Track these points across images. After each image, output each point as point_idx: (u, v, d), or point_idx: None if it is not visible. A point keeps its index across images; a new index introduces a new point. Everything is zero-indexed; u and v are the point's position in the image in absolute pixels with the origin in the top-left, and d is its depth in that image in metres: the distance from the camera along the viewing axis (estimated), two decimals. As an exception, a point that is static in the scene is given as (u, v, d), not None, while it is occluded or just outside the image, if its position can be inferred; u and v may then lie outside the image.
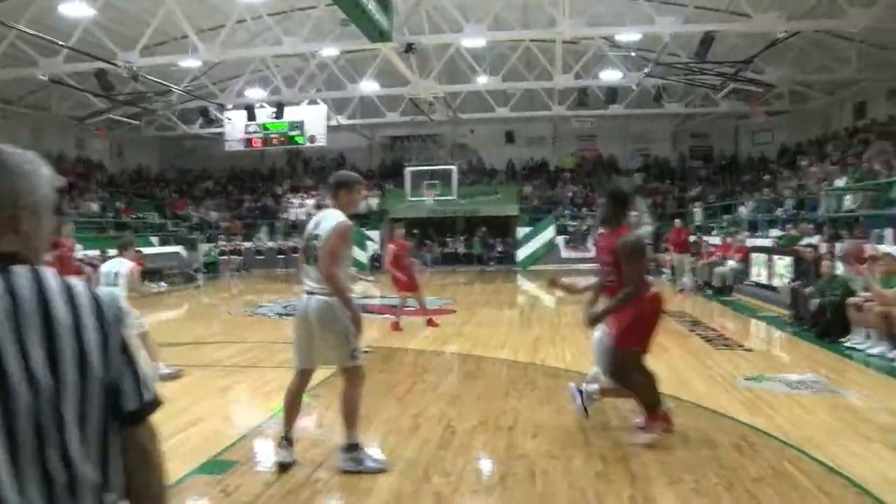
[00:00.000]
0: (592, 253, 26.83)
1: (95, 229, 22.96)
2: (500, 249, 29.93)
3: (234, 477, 4.65)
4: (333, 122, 26.83)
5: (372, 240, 27.97)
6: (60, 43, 16.87)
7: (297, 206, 30.07)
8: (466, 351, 9.42)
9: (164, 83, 20.93)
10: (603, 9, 18.99)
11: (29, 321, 1.34)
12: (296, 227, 28.41)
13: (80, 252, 16.88)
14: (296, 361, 4.82)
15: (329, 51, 20.75)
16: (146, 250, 21.37)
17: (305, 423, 5.62)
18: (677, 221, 18.50)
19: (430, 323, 11.74)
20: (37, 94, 23.15)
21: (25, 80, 20.11)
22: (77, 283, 1.46)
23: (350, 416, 4.73)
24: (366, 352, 5.91)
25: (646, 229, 11.65)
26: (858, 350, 8.86)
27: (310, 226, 4.82)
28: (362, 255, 26.77)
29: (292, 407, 4.82)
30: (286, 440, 4.79)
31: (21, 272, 1.39)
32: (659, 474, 4.56)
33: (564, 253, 27.43)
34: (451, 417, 5.98)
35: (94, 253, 20.51)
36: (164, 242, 25.26)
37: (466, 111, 27.19)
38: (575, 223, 28.31)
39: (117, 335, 1.46)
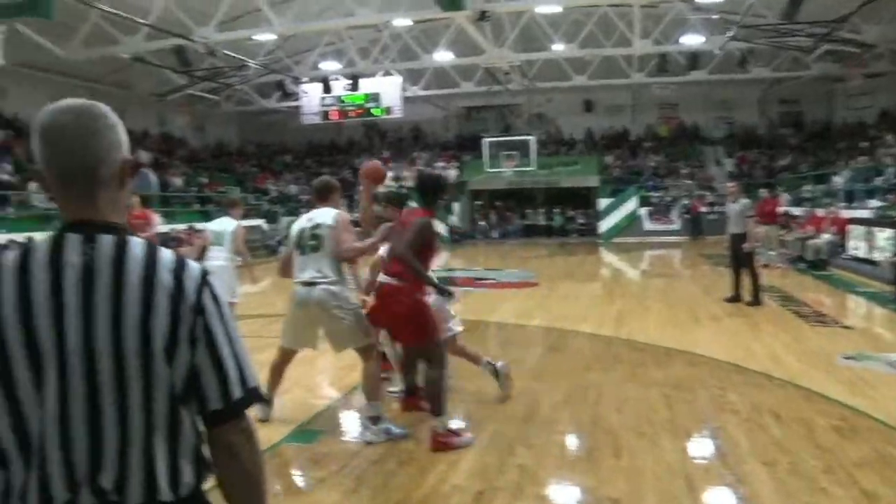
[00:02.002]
0: (677, 225, 26.55)
1: (180, 204, 23.88)
2: (581, 221, 29.67)
3: (322, 446, 4.84)
4: (409, 94, 26.94)
5: (451, 212, 28.14)
6: (140, 20, 17.45)
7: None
8: (548, 324, 9.43)
9: (240, 57, 21.42)
10: (685, -32, 18.40)
11: (100, 293, 1.33)
12: (375, 199, 28.73)
13: (164, 226, 17.56)
14: (290, 342, 5.23)
15: (402, 21, 20.79)
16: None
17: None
18: (764, 191, 17.86)
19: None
20: (120, 73, 24.03)
21: (109, 59, 20.87)
22: (164, 255, 1.41)
23: (372, 390, 5.00)
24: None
25: None
26: (970, 326, 8.45)
27: (300, 224, 5.15)
28: (440, 227, 27.01)
29: (275, 380, 5.26)
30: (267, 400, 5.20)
31: (106, 241, 1.38)
32: (751, 454, 4.50)
33: (648, 225, 26.95)
34: (535, 391, 6.03)
35: (181, 227, 21.40)
36: (245, 216, 26.02)
37: (543, 80, 26.84)
38: (658, 194, 27.74)
39: (191, 319, 1.39)
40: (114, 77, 24.28)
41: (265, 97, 27.88)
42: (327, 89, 25.08)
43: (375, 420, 4.90)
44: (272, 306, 12.24)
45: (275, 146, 34.18)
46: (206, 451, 1.46)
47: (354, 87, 24.59)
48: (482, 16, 17.29)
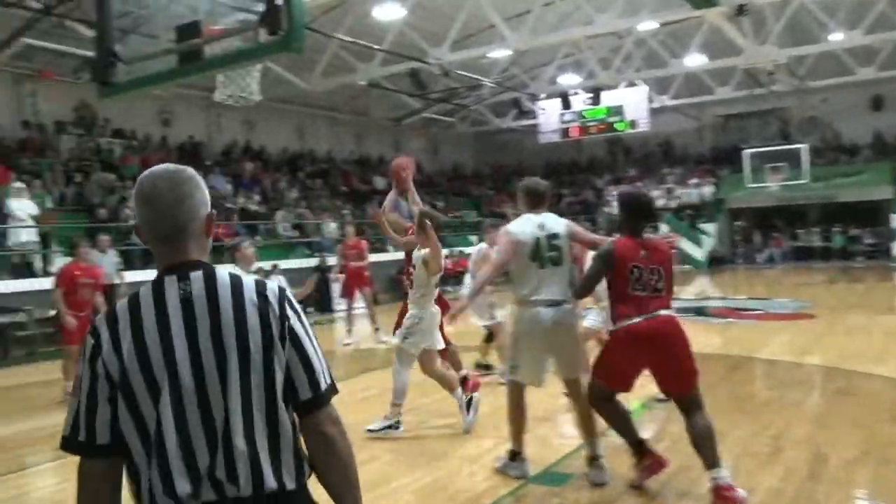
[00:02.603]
0: None
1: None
2: (869, 241, 27.07)
3: (572, 491, 4.71)
4: (656, 105, 26.33)
5: (707, 234, 26.97)
6: (376, 47, 18.76)
7: (621, 199, 29.87)
8: (832, 363, 8.60)
9: (475, 77, 22.23)
10: None
11: (200, 318, 1.72)
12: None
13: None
14: (533, 377, 5.03)
15: (647, 25, 20.32)
16: (467, 249, 22.87)
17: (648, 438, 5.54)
18: None
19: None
20: (357, 100, 25.96)
21: (347, 87, 22.64)
22: (246, 279, 1.82)
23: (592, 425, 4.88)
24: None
25: None
26: None
27: (529, 230, 4.94)
28: (697, 252, 25.99)
29: (520, 425, 5.11)
30: (521, 455, 5.06)
31: (197, 276, 1.77)
32: None
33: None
34: (820, 443, 5.46)
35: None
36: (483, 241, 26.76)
37: (817, 77, 25.02)
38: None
39: (279, 326, 1.77)
40: (351, 104, 26.26)
41: (500, 116, 28.66)
42: (566, 105, 25.18)
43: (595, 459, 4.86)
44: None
45: (511, 167, 34.88)
46: (303, 447, 1.82)
47: (596, 100, 24.46)
48: (740, 10, 16.43)
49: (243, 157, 23.12)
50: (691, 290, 19.47)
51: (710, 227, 27.25)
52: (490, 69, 23.25)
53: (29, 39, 14.56)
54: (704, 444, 4.36)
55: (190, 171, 1.86)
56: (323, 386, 1.80)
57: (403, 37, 18.94)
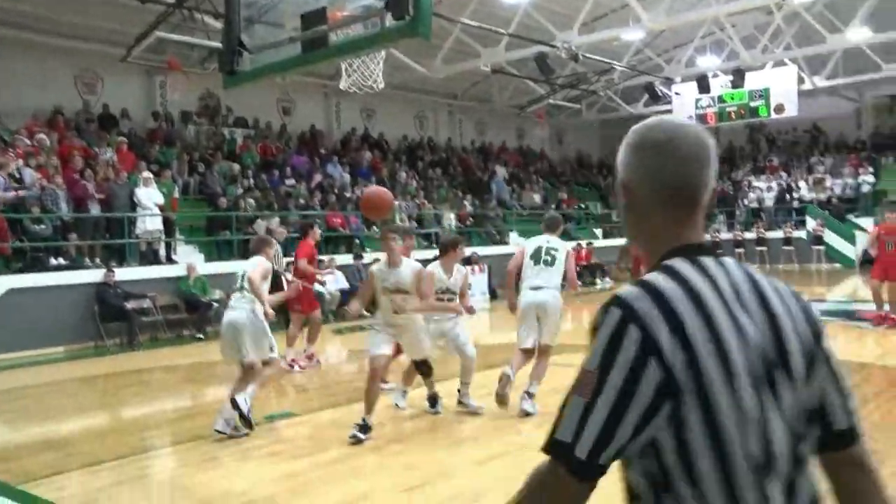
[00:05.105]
0: None
1: (537, 222, 25.16)
2: None
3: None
4: (807, 86, 25.14)
5: (864, 229, 25.57)
6: (501, 31, 18.80)
7: (763, 191, 28.88)
8: None
9: (606, 60, 21.96)
10: None
11: (750, 306, 1.41)
12: (760, 216, 27.33)
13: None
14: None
15: (801, -3, 19.19)
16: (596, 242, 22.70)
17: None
18: None
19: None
20: (478, 87, 26.15)
21: (469, 73, 22.84)
22: (780, 282, 1.50)
23: None
24: None
25: None
26: None
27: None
28: (850, 250, 24.64)
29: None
30: None
31: (729, 262, 1.48)
32: None
33: None
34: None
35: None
36: (608, 235, 26.52)
37: None
38: None
39: (821, 343, 1.46)
40: (473, 91, 26.50)
41: (631, 103, 28.17)
42: (704, 88, 24.38)
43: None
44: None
45: (641, 156, 34.37)
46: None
47: (738, 83, 23.60)
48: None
49: (362, 145, 23.70)
50: (841, 291, 18.67)
51: (866, 222, 25.82)
52: (622, 52, 22.92)
53: (161, 33, 15.40)
54: None
55: (709, 133, 1.55)
56: (854, 418, 1.50)
57: (529, 19, 18.94)
